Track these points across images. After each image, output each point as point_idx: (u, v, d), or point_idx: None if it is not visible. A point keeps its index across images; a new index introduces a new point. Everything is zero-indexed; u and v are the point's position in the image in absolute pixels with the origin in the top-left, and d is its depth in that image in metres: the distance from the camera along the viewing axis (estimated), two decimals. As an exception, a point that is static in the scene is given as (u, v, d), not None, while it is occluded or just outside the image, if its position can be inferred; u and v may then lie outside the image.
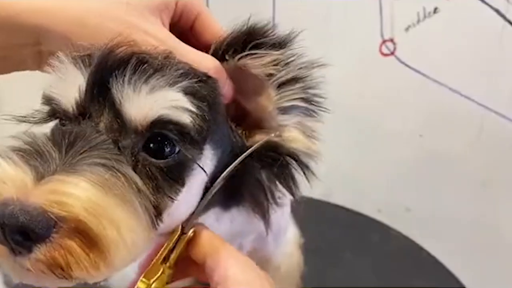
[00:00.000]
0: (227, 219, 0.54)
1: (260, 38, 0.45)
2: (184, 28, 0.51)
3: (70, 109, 0.41)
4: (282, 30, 0.46)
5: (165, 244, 0.43)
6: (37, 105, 0.45)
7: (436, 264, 0.97)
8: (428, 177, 1.24)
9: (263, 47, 0.45)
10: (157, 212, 0.40)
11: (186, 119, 0.40)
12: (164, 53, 0.43)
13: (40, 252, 0.34)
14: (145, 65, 0.40)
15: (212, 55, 0.47)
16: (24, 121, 0.45)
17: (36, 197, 0.33)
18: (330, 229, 1.04)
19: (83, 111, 0.41)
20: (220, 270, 0.41)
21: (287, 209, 0.65)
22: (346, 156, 1.18)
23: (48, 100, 0.43)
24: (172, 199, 0.42)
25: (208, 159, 0.45)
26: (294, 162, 0.48)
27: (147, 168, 0.40)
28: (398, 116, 1.20)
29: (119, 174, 0.37)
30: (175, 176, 0.42)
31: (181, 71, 0.42)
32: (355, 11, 1.10)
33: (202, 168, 0.44)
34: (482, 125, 1.15)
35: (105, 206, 0.35)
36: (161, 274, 0.42)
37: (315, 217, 1.03)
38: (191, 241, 0.44)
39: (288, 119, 0.48)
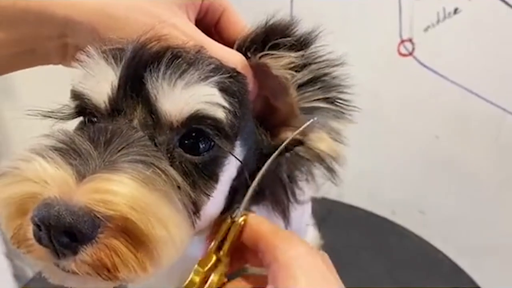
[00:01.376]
0: None
1: (280, 38, 0.44)
2: (209, 25, 0.50)
3: (102, 105, 0.41)
4: (302, 28, 0.45)
5: (217, 234, 0.44)
6: (53, 100, 0.45)
7: (453, 266, 0.97)
8: (444, 179, 1.23)
9: (282, 48, 0.44)
10: (196, 209, 0.40)
11: (221, 114, 0.40)
12: (195, 48, 0.42)
13: (86, 253, 0.33)
14: (179, 59, 0.40)
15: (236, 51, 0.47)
16: (50, 116, 0.45)
17: (80, 197, 0.32)
18: (345, 229, 1.04)
19: (116, 107, 0.40)
20: (271, 251, 0.40)
21: (308, 209, 0.65)
22: (360, 156, 1.17)
23: (77, 95, 0.42)
24: (208, 196, 0.42)
25: (238, 156, 0.45)
26: (318, 163, 0.48)
27: (183, 165, 0.40)
28: (415, 117, 1.19)
29: (159, 171, 0.37)
30: (210, 173, 0.42)
31: (213, 66, 0.41)
32: (374, 10, 1.09)
33: (240, 161, 0.44)
34: (500, 127, 1.13)
35: (151, 203, 0.34)
36: (217, 262, 0.42)
37: (330, 217, 1.03)
38: (242, 228, 0.44)
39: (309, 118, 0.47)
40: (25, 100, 1.29)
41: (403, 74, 1.13)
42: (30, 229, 0.34)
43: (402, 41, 1.11)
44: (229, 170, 0.44)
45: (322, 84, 0.46)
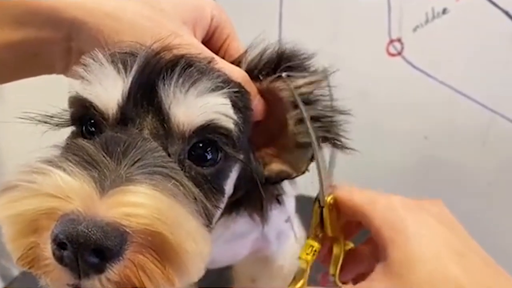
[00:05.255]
0: (231, 222, 0.54)
1: (295, 62, 0.44)
2: (214, 46, 0.50)
3: (110, 113, 0.39)
4: (314, 63, 0.46)
5: (312, 221, 0.44)
6: (42, 103, 0.43)
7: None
8: (433, 180, 1.22)
9: (296, 71, 0.44)
10: (209, 222, 0.39)
11: (231, 125, 0.40)
12: (207, 59, 0.42)
13: (114, 271, 0.31)
14: (192, 68, 0.39)
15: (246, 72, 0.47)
16: (47, 122, 0.43)
17: (106, 211, 0.30)
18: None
19: (125, 116, 0.39)
20: (371, 227, 0.41)
21: (290, 208, 0.65)
22: (347, 156, 1.17)
23: (79, 102, 0.40)
24: (218, 208, 0.41)
25: (235, 172, 0.45)
26: None
27: (195, 176, 0.39)
28: (403, 117, 1.18)
29: (177, 183, 0.35)
30: (218, 185, 0.41)
31: (223, 78, 0.41)
32: (363, 10, 1.09)
33: (251, 167, 0.44)
34: (488, 129, 1.13)
35: (179, 215, 0.33)
36: (312, 247, 0.43)
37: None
38: (336, 206, 0.44)
39: (304, 154, 0.47)
40: (14, 103, 1.28)
41: (391, 74, 1.13)
42: (48, 248, 0.31)
43: (391, 41, 1.11)
44: (230, 185, 0.44)
45: (321, 124, 0.45)
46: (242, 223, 0.55)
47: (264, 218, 0.52)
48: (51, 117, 0.44)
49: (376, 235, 0.41)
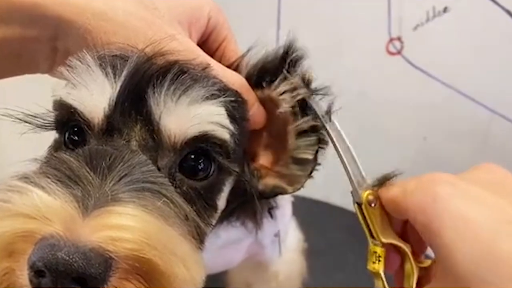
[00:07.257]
0: (222, 231, 0.52)
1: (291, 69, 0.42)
2: (208, 51, 0.48)
3: (96, 121, 0.36)
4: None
5: (364, 225, 0.40)
6: (27, 105, 0.41)
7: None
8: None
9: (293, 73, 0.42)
10: (201, 242, 0.37)
11: (227, 135, 0.38)
12: (202, 65, 0.40)
13: None
14: (185, 74, 0.37)
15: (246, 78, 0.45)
16: (28, 121, 0.41)
17: (89, 235, 0.28)
18: (332, 231, 1.02)
19: (112, 125, 0.36)
20: (410, 217, 0.34)
21: (287, 213, 0.63)
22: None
23: (63, 107, 0.38)
24: (210, 226, 0.40)
25: (229, 184, 0.43)
26: None
27: (186, 191, 0.37)
28: (402, 117, 1.17)
29: (167, 201, 0.33)
30: (210, 200, 0.40)
31: (218, 85, 0.39)
32: (363, 8, 1.07)
33: (246, 180, 0.42)
34: (488, 129, 1.12)
35: (169, 239, 0.31)
36: (375, 254, 0.39)
37: (315, 219, 1.01)
38: (380, 202, 0.39)
39: (300, 170, 0.45)
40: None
41: (391, 73, 1.12)
42: (24, 275, 0.28)
43: (391, 40, 1.09)
44: (223, 199, 0.42)
45: (318, 136, 0.43)
46: (235, 230, 0.53)
47: (257, 225, 0.51)
48: (34, 117, 0.41)
49: (416, 227, 0.35)
